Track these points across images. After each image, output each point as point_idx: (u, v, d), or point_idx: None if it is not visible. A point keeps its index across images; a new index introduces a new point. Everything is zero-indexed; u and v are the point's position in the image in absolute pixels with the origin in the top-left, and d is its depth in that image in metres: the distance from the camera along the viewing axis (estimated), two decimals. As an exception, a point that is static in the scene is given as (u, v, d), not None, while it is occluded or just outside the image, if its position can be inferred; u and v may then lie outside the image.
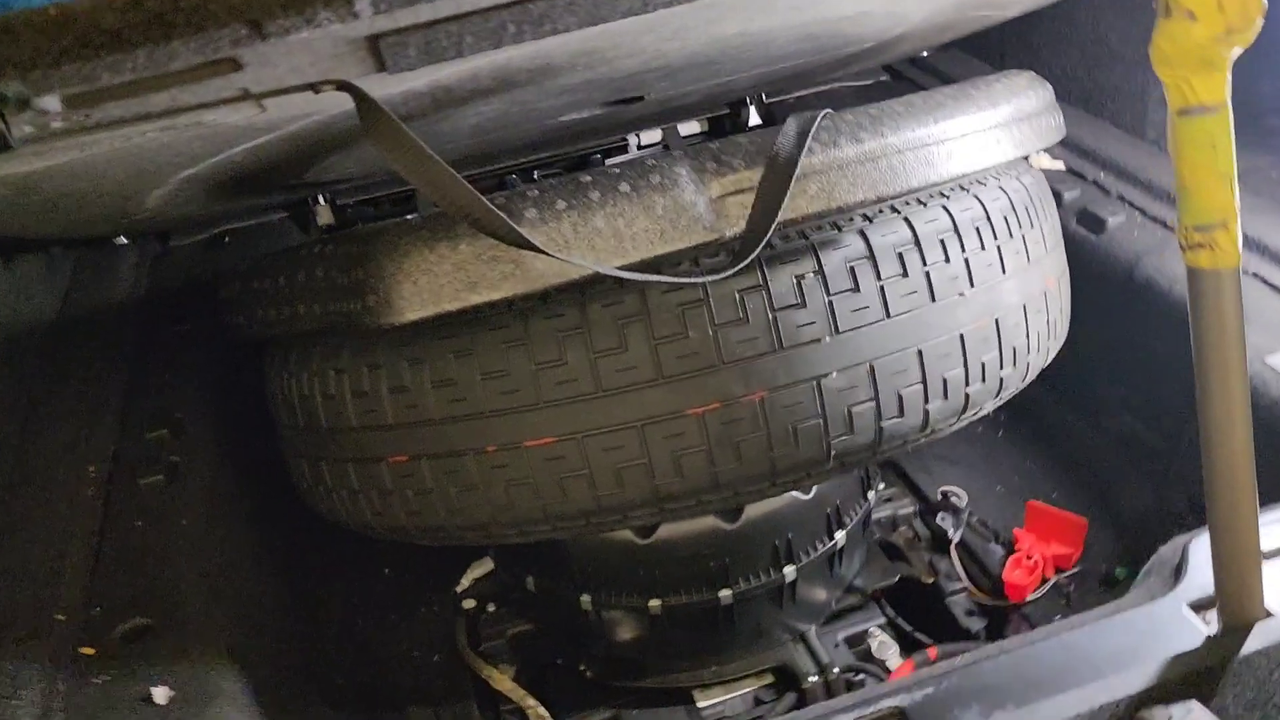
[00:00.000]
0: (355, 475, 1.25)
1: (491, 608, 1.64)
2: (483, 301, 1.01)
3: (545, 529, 1.18)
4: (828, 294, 1.12)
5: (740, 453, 1.12)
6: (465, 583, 1.68)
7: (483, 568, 1.67)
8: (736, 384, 1.10)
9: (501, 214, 0.95)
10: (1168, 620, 1.01)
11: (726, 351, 1.09)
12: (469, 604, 1.65)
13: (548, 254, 0.96)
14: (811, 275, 1.12)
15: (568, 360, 1.10)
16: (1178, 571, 1.07)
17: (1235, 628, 0.99)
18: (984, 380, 1.22)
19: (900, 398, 1.16)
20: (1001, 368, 1.24)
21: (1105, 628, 1.00)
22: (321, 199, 1.64)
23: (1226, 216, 0.89)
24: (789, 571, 1.45)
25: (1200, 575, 1.04)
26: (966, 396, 1.21)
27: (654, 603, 1.42)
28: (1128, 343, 1.60)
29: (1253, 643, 0.98)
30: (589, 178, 1.07)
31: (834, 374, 1.12)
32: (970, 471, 1.79)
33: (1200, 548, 1.06)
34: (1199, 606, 1.03)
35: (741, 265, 1.04)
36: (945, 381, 1.18)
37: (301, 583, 1.59)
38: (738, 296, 1.09)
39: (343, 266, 1.11)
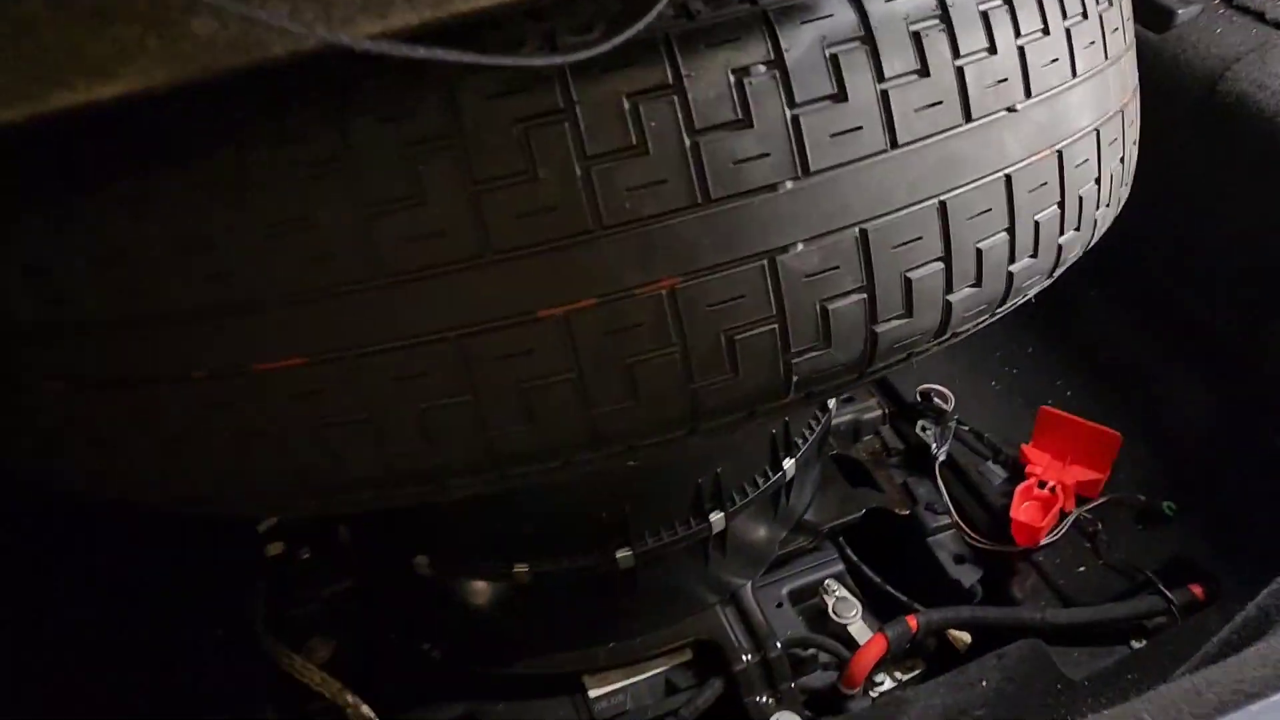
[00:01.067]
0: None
1: (306, 555, 1.18)
2: (90, 99, 0.50)
3: (310, 503, 0.71)
4: (789, 104, 0.63)
5: (636, 384, 0.65)
6: (271, 518, 1.22)
7: (292, 502, 1.21)
8: (628, 265, 0.62)
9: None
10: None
11: (608, 207, 0.60)
12: (274, 548, 1.19)
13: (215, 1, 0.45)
14: (762, 69, 0.62)
15: (318, 220, 0.60)
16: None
17: None
18: (1036, 251, 0.75)
19: (907, 285, 0.69)
20: (1062, 230, 0.77)
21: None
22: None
23: None
24: (716, 520, 1.01)
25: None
26: (1009, 278, 0.75)
27: (521, 569, 0.98)
28: (1199, 188, 1.15)
29: None
30: None
31: (798, 246, 0.64)
32: (960, 364, 1.35)
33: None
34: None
35: (627, 36, 0.54)
36: (979, 255, 0.71)
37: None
38: (627, 105, 0.60)
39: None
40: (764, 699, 1.04)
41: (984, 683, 0.99)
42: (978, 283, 0.72)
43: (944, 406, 1.27)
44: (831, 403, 1.14)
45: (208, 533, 1.21)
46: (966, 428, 1.25)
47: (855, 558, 1.19)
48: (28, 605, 1.08)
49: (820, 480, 1.20)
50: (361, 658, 1.12)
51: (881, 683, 1.07)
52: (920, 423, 1.26)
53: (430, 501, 0.71)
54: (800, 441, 1.08)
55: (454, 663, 1.07)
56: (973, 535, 1.15)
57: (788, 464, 1.06)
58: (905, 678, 1.08)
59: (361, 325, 0.62)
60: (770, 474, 1.05)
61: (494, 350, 0.63)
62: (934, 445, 1.23)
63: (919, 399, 1.30)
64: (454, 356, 0.63)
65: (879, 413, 1.28)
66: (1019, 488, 1.14)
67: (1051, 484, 1.15)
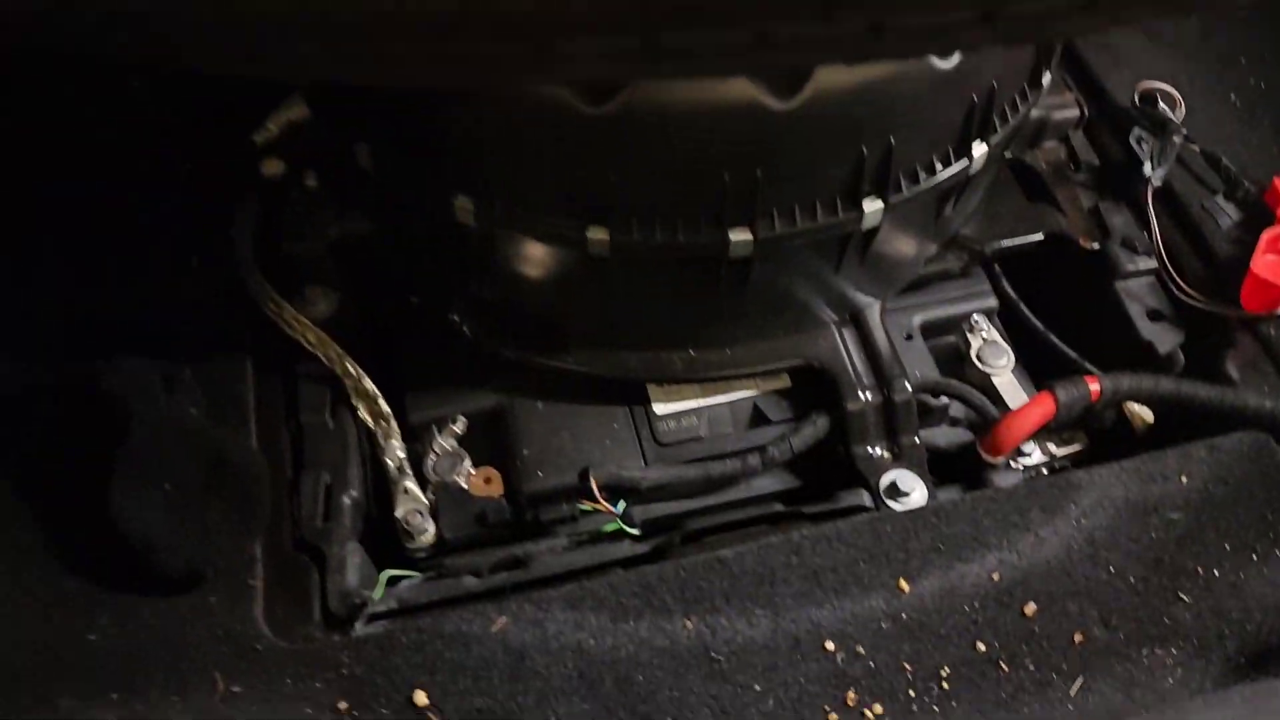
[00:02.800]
0: None
1: (312, 182, 0.91)
2: None
3: (316, 59, 0.42)
4: None
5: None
6: (271, 128, 0.93)
7: (296, 110, 0.91)
8: None
9: None
10: None
11: None
12: (272, 167, 0.91)
13: None
14: None
15: None
16: None
17: None
18: None
19: None
20: None
21: None
22: None
23: None
24: (871, 211, 0.72)
25: None
26: None
27: (597, 233, 0.71)
28: None
29: None
30: None
31: None
32: (1191, 66, 1.01)
33: None
34: None
35: None
36: None
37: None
38: None
39: None
40: (878, 451, 0.81)
41: (1184, 478, 0.75)
42: None
43: (1169, 115, 0.95)
44: (1046, 78, 0.82)
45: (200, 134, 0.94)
46: (1196, 147, 0.93)
47: (1014, 294, 0.92)
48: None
49: (989, 189, 0.90)
50: (370, 320, 0.88)
51: (1029, 455, 0.83)
52: (1135, 131, 0.94)
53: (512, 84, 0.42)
54: (1000, 122, 0.77)
55: (488, 343, 0.83)
56: (1184, 287, 0.87)
57: (978, 150, 0.76)
58: (1061, 454, 0.84)
59: None
60: (953, 159, 0.75)
61: None
62: (1148, 164, 0.92)
63: (1135, 101, 0.97)
64: None
65: (1075, 112, 0.96)
66: (1265, 234, 0.85)
67: (1308, 234, 0.85)
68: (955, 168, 0.75)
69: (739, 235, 0.70)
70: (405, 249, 0.86)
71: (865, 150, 0.69)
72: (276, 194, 0.89)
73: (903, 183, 0.73)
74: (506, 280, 0.80)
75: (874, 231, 0.75)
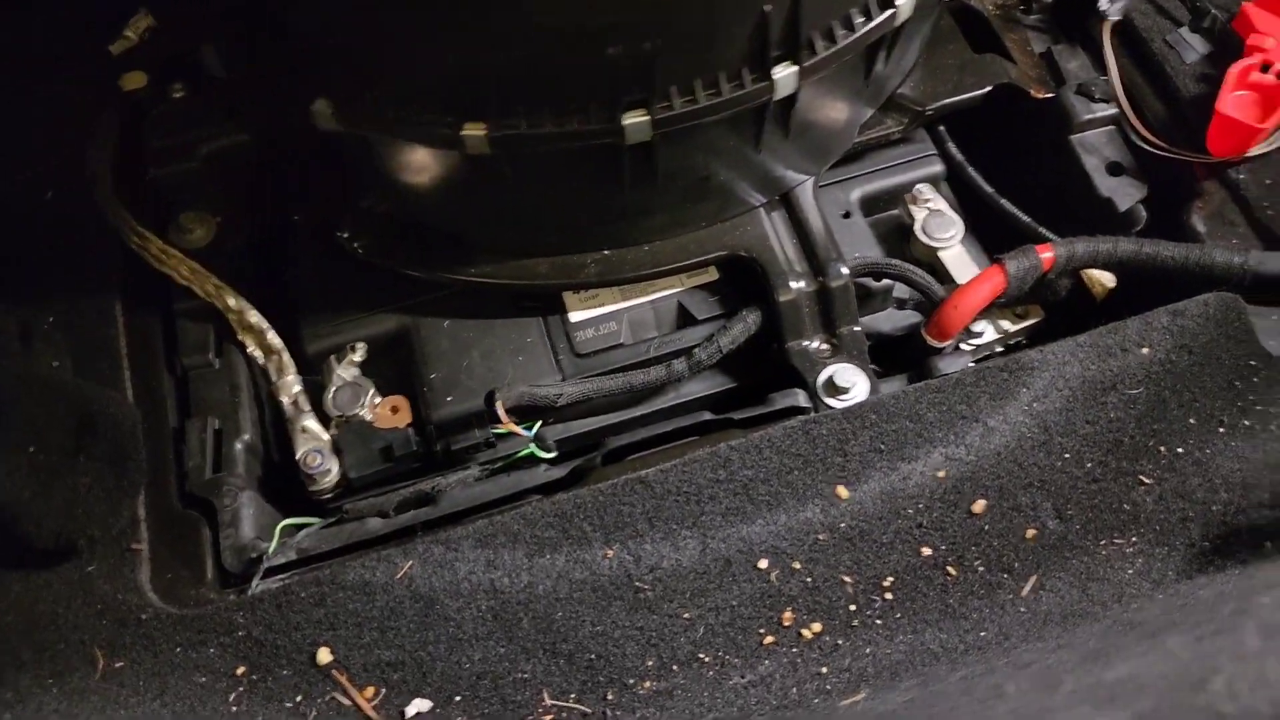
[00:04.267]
0: None
1: (179, 94, 0.81)
2: None
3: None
4: None
5: None
6: (130, 35, 0.83)
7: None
8: None
9: None
10: None
11: None
12: (133, 80, 0.82)
13: None
14: None
15: None
16: None
17: None
18: None
19: None
20: None
21: None
22: None
23: None
24: (783, 78, 0.64)
25: None
26: None
27: (474, 129, 0.63)
28: None
29: None
30: None
31: None
32: None
33: None
34: None
35: None
36: None
37: None
38: None
39: None
40: (815, 344, 0.74)
41: (1145, 349, 0.68)
42: None
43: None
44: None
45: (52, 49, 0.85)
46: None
47: (961, 157, 0.83)
48: None
49: (928, 41, 0.81)
50: (253, 245, 0.80)
51: (981, 334, 0.77)
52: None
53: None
54: (927, -37, 0.68)
55: (383, 261, 0.75)
56: (1146, 134, 0.79)
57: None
58: (1015, 329, 0.77)
59: None
60: (875, 9, 0.66)
61: None
62: (1104, -1, 0.82)
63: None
64: None
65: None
66: (1232, 69, 0.76)
67: None
68: (879, 19, 0.66)
69: (634, 118, 0.62)
70: (283, 161, 0.77)
71: (768, 7, 0.60)
72: (138, 109, 0.81)
73: (817, 42, 0.64)
74: (392, 190, 0.72)
75: (791, 100, 0.66)
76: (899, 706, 0.54)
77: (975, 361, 0.75)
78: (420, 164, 0.68)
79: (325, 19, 0.61)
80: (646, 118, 0.62)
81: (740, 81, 0.63)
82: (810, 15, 0.62)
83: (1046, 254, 0.72)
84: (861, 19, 0.65)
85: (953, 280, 0.78)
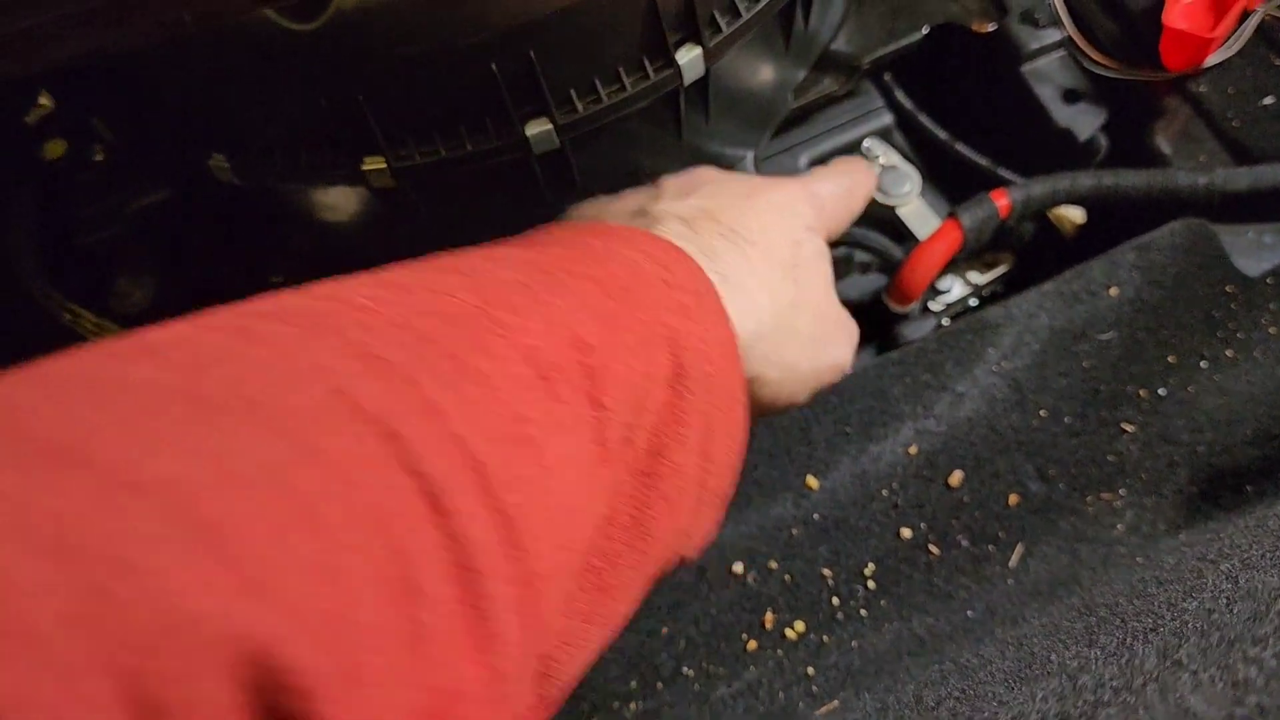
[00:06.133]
0: None
1: (100, 155, 0.79)
2: None
3: None
4: None
5: None
6: (44, 104, 0.81)
7: (48, 79, 0.79)
8: None
9: None
10: None
11: None
12: (55, 149, 0.80)
13: None
14: None
15: None
16: None
17: None
18: None
19: None
20: None
21: None
22: None
23: None
24: (688, 61, 0.60)
25: None
26: None
27: (374, 164, 0.60)
28: None
29: None
30: None
31: None
32: None
33: None
34: None
35: None
36: None
37: None
38: None
39: None
40: (774, 326, 0.71)
41: (1113, 290, 0.64)
42: None
43: None
44: None
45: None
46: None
47: (910, 104, 0.79)
48: None
49: (858, -15, 0.77)
50: (199, 300, 0.78)
51: (948, 291, 0.73)
52: None
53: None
54: (830, -88, 0.64)
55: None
56: (1097, 57, 0.74)
57: (811, -47, 0.63)
58: (985, 281, 0.74)
59: None
60: (784, -31, 0.62)
61: None
62: (1038, -88, 0.77)
63: None
64: None
65: None
66: (1179, -27, 0.71)
67: (1230, -35, 0.71)
68: (791, -23, 0.62)
69: (537, 128, 0.59)
70: (206, 215, 0.75)
71: (657, -7, 0.57)
72: (61, 177, 0.79)
73: (719, 18, 0.60)
74: (314, 230, 0.70)
75: (703, 83, 0.63)
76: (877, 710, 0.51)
77: (952, 319, 0.72)
78: (332, 203, 0.66)
79: (184, 86, 0.58)
80: (549, 126, 0.59)
81: (644, 73, 0.59)
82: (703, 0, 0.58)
83: (1002, 200, 0.69)
84: (770, -22, 0.62)
85: (914, 237, 0.74)
